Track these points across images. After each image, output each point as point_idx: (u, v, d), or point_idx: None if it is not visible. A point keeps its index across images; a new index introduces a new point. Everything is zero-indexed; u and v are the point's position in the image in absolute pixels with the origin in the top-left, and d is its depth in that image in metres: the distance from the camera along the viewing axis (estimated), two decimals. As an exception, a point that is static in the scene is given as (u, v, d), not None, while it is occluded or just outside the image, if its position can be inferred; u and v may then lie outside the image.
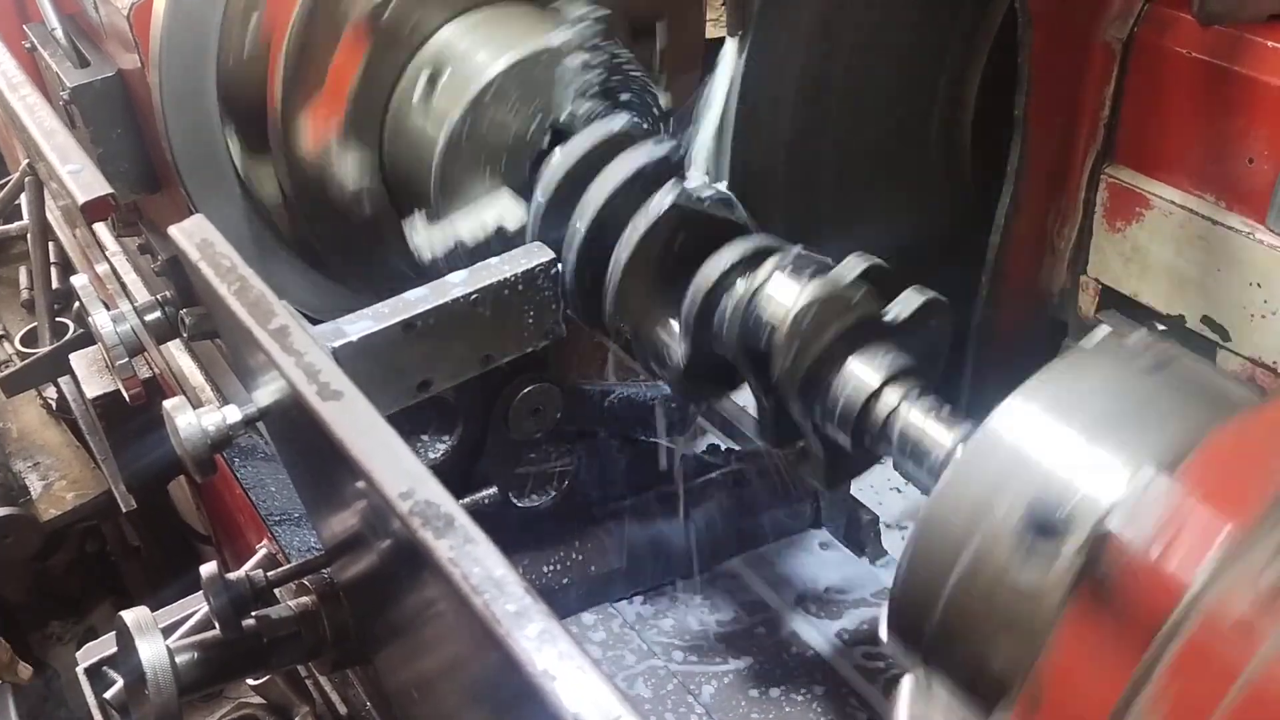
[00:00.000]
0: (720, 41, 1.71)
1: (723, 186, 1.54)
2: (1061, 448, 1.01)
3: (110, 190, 1.70)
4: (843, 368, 1.30)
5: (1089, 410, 1.02)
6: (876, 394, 1.28)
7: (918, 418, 1.26)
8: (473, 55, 1.64)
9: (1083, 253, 1.93)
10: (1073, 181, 1.89)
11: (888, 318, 1.34)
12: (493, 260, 1.49)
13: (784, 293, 1.33)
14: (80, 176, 1.70)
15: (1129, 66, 1.78)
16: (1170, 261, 1.80)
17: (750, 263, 1.40)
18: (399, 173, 1.72)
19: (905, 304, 1.35)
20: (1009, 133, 1.83)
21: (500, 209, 1.62)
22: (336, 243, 1.90)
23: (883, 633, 1.12)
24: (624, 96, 1.65)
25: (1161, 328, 1.86)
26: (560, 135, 1.60)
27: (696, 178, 1.62)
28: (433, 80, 1.66)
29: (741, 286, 1.37)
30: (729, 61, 1.65)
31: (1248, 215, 1.69)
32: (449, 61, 1.66)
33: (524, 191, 1.60)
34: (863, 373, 1.29)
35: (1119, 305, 1.93)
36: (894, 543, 2.33)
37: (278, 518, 1.96)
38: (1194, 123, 1.73)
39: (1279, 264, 1.66)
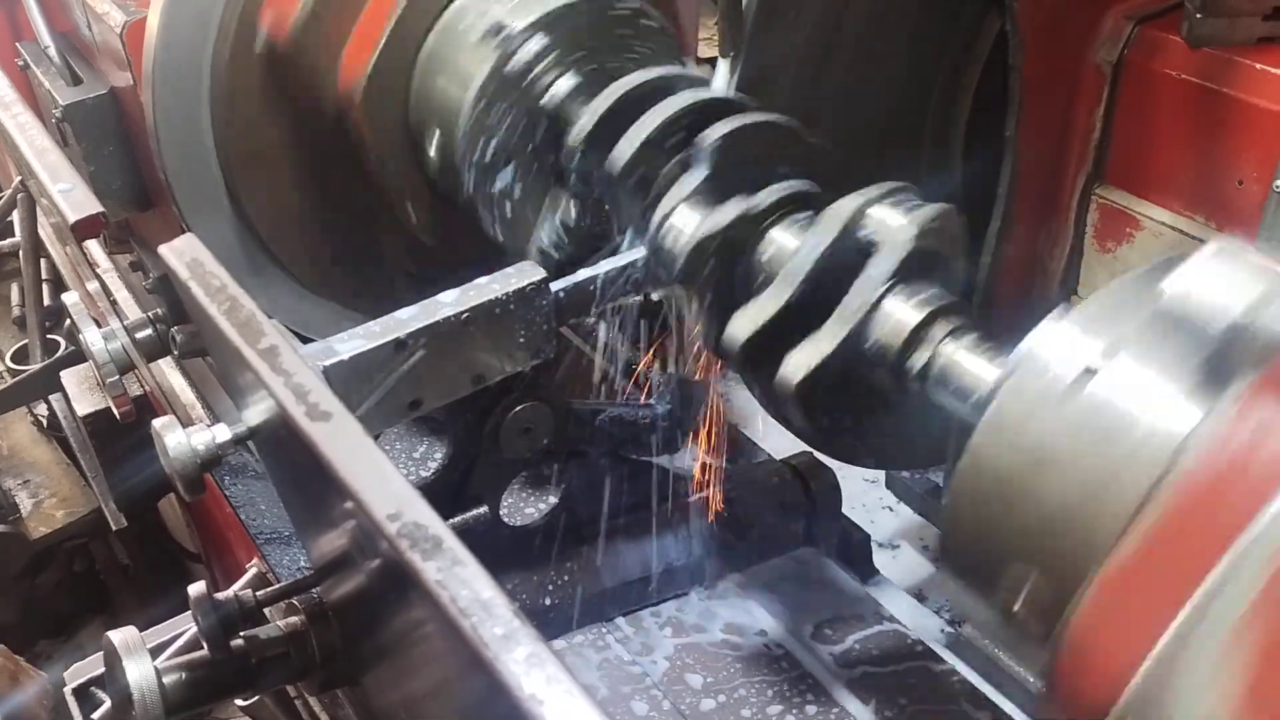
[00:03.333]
0: (713, 62, 1.72)
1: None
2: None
3: (100, 209, 1.70)
4: (881, 305, 1.29)
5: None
6: (916, 333, 1.26)
7: (959, 355, 1.25)
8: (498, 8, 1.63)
9: (1073, 273, 1.94)
10: (1063, 202, 1.90)
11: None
12: (483, 279, 1.49)
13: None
14: (71, 195, 1.70)
15: (1119, 88, 1.79)
16: (1161, 282, 1.81)
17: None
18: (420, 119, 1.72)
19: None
20: (1000, 154, 1.84)
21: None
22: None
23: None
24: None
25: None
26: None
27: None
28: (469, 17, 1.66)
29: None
30: (721, 82, 1.66)
31: (1237, 236, 1.70)
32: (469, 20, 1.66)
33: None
34: (901, 312, 1.28)
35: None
36: (885, 562, 2.33)
37: (267, 536, 1.95)
38: (1184, 144, 1.74)
39: (1269, 285, 1.67)
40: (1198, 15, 1.65)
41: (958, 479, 1.08)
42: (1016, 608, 1.01)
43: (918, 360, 1.27)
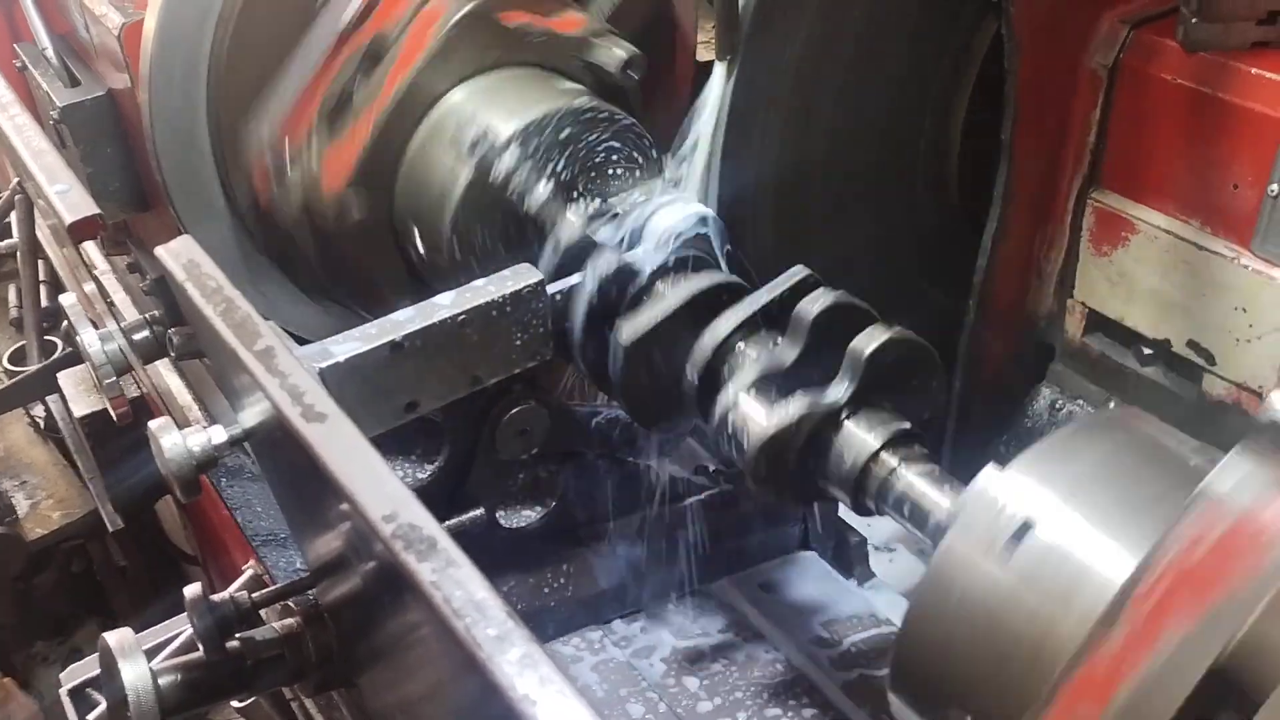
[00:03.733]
0: (710, 65, 1.72)
1: (710, 211, 1.56)
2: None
3: (97, 210, 1.70)
4: (840, 432, 1.34)
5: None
6: (875, 457, 1.31)
7: (915, 481, 1.29)
8: (497, 107, 1.68)
9: (1069, 276, 1.94)
10: (1059, 206, 1.90)
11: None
12: (480, 281, 1.49)
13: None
14: (68, 196, 1.70)
15: (1115, 92, 1.79)
16: (1156, 286, 1.81)
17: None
18: (410, 206, 1.76)
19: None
20: (996, 157, 1.84)
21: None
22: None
23: (891, 697, 1.14)
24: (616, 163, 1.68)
25: (1148, 351, 1.87)
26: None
27: (687, 199, 1.63)
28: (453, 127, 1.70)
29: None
30: (718, 85, 1.66)
31: (1233, 240, 1.70)
32: (458, 122, 1.70)
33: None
34: (860, 439, 1.33)
35: (1105, 329, 1.94)
36: (881, 565, 2.33)
37: (264, 538, 1.95)
38: (1179, 148, 1.74)
39: (1264, 288, 1.67)
40: (1193, 20, 1.66)
41: (910, 611, 1.13)
42: None
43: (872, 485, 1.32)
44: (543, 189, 1.62)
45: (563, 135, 1.63)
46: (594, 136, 1.64)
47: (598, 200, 1.65)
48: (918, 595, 1.12)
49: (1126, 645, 0.87)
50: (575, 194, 1.64)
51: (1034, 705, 0.95)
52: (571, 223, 1.60)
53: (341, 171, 1.74)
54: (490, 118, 1.66)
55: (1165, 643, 0.85)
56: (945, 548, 1.10)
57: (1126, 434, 1.13)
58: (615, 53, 1.76)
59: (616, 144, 1.66)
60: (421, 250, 1.75)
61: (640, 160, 1.69)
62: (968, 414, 2.02)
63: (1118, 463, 1.09)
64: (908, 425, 1.34)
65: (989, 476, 1.12)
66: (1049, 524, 1.05)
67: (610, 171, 1.68)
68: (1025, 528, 1.05)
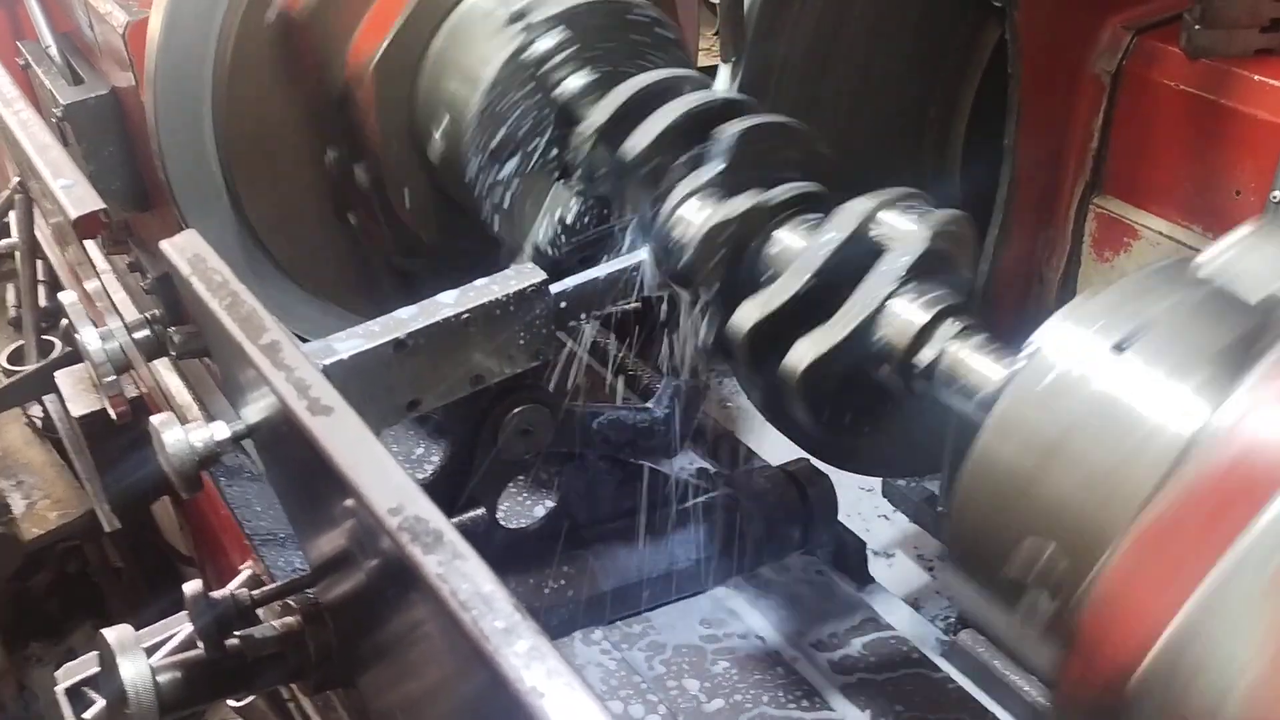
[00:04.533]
0: (711, 70, 1.72)
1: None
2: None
3: (102, 205, 1.70)
4: (890, 304, 1.30)
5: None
6: (924, 330, 1.28)
7: (966, 353, 1.26)
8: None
9: (1071, 282, 1.94)
10: (1061, 212, 1.91)
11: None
12: (483, 280, 1.49)
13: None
14: (73, 191, 1.70)
15: (1118, 98, 1.80)
16: (1158, 292, 1.81)
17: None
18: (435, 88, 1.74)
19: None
20: (999, 162, 1.85)
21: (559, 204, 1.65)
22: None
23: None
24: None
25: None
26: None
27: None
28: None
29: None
30: (722, 87, 1.66)
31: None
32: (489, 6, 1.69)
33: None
34: (909, 311, 1.29)
35: (1107, 334, 1.94)
36: (880, 570, 2.33)
37: (263, 537, 1.94)
38: (1182, 155, 1.75)
39: (1265, 295, 1.67)
40: (1196, 26, 1.66)
41: (969, 469, 1.09)
42: (1029, 582, 1.01)
43: (925, 357, 1.28)
44: (579, 79, 1.61)
45: (601, 23, 1.62)
46: (634, 37, 1.64)
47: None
48: (984, 436, 1.07)
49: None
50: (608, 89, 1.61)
51: (1133, 515, 0.92)
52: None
53: (373, 39, 1.72)
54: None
55: None
56: (1029, 370, 1.06)
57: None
58: None
59: (652, 50, 1.66)
60: (438, 136, 1.71)
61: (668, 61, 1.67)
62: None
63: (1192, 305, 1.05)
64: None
65: (1069, 308, 1.09)
66: (1141, 344, 1.02)
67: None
68: (1117, 348, 1.02)
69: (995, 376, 1.21)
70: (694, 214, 1.42)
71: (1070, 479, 1.00)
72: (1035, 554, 1.01)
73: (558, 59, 1.61)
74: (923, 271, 1.31)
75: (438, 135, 1.71)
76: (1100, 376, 1.02)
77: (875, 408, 1.43)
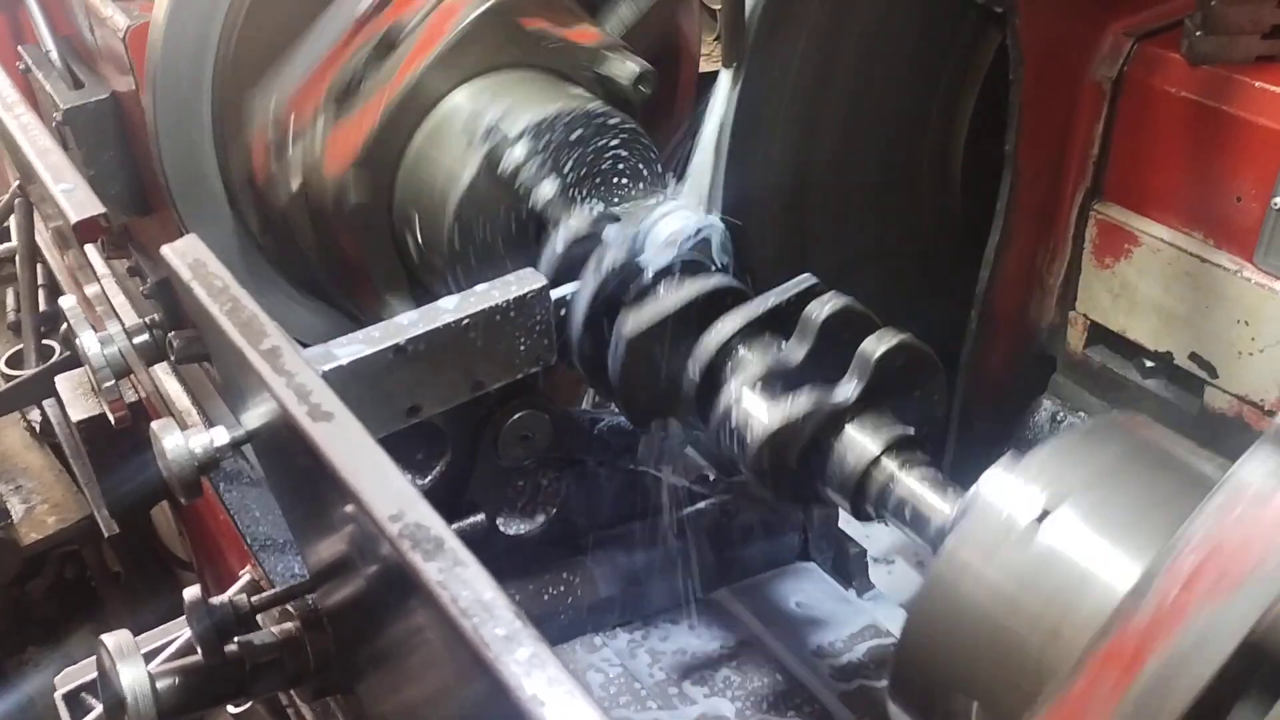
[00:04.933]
0: (712, 76, 1.72)
1: (715, 218, 1.56)
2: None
3: (103, 209, 1.70)
4: (840, 437, 1.34)
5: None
6: (876, 461, 1.31)
7: (915, 486, 1.29)
8: (509, 101, 1.68)
9: (1071, 288, 1.94)
10: (1062, 218, 1.90)
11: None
12: (483, 286, 1.49)
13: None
14: (73, 196, 1.70)
15: (1118, 105, 1.80)
16: (1158, 298, 1.81)
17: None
18: (410, 197, 1.75)
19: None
20: (999, 168, 1.85)
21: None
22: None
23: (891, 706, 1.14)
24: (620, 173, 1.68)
25: (1150, 364, 1.87)
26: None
27: (691, 206, 1.64)
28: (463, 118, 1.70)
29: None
30: (723, 93, 1.66)
31: (1235, 253, 1.70)
32: (471, 112, 1.69)
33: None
34: (861, 443, 1.33)
35: (1107, 341, 1.94)
36: (881, 576, 2.32)
37: (262, 543, 1.94)
38: (1182, 161, 1.74)
39: (1267, 301, 1.67)
40: (1197, 33, 1.66)
41: (911, 615, 1.13)
42: None
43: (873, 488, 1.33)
44: (550, 186, 1.61)
45: (574, 136, 1.62)
46: (603, 142, 1.64)
47: (602, 205, 1.65)
48: (925, 585, 1.11)
49: (1155, 618, 0.87)
50: (581, 196, 1.64)
51: (1055, 680, 0.94)
52: (579, 219, 1.59)
53: (345, 154, 1.72)
54: (503, 111, 1.65)
55: (1195, 615, 0.84)
56: (960, 533, 1.09)
57: (1134, 437, 1.13)
58: (628, 66, 1.76)
59: (624, 153, 1.66)
60: (420, 239, 1.73)
61: (645, 172, 1.69)
62: (969, 425, 2.02)
63: (1128, 462, 1.08)
64: (910, 431, 1.34)
65: (1000, 471, 1.11)
66: (1064, 513, 1.05)
67: (615, 180, 1.68)
68: (1042, 515, 1.05)
69: (946, 510, 1.25)
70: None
71: (1000, 639, 1.04)
72: (961, 711, 1.06)
73: (527, 172, 1.62)
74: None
75: (417, 241, 1.74)
76: (1035, 534, 1.06)
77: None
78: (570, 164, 1.63)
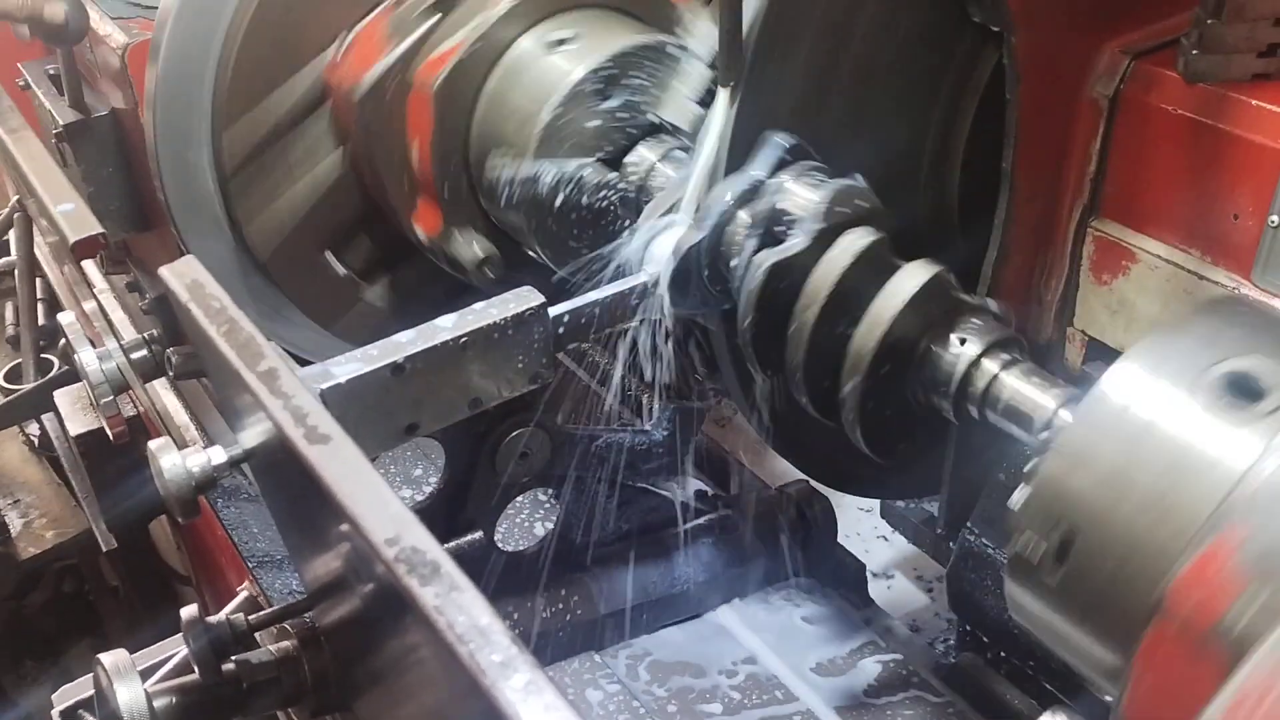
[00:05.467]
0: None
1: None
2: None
3: (100, 229, 1.70)
4: (947, 341, 1.43)
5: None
6: (976, 362, 1.41)
7: (1018, 382, 1.38)
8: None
9: (1069, 305, 1.94)
10: (1059, 235, 1.90)
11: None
12: (481, 304, 1.49)
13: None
14: (71, 215, 1.70)
15: (1115, 122, 1.80)
16: (1157, 315, 1.81)
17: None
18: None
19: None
20: (997, 185, 1.85)
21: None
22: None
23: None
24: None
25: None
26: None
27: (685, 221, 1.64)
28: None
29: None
30: (721, 112, 1.66)
31: (1233, 270, 1.70)
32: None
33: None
34: (963, 345, 1.43)
35: (1106, 357, 1.94)
36: (879, 592, 2.32)
37: (259, 559, 1.94)
38: (1180, 179, 1.74)
39: (1264, 319, 1.67)
40: (1194, 51, 1.66)
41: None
42: None
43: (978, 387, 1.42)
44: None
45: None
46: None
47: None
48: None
49: None
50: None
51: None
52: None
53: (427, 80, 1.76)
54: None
55: None
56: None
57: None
58: None
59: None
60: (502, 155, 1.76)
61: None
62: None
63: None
64: (1009, 332, 1.45)
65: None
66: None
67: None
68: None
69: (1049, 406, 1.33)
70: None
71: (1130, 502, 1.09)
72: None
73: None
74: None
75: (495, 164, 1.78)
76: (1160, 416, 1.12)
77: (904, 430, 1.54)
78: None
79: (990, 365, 1.41)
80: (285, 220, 1.95)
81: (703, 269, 1.58)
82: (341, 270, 2.01)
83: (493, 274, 1.84)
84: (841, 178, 1.58)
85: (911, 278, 1.47)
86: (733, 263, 1.55)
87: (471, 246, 1.84)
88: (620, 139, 1.73)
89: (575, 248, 1.73)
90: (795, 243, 1.50)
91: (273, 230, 1.96)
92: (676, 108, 1.77)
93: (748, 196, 1.56)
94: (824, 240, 1.51)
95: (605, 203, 1.73)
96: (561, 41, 1.76)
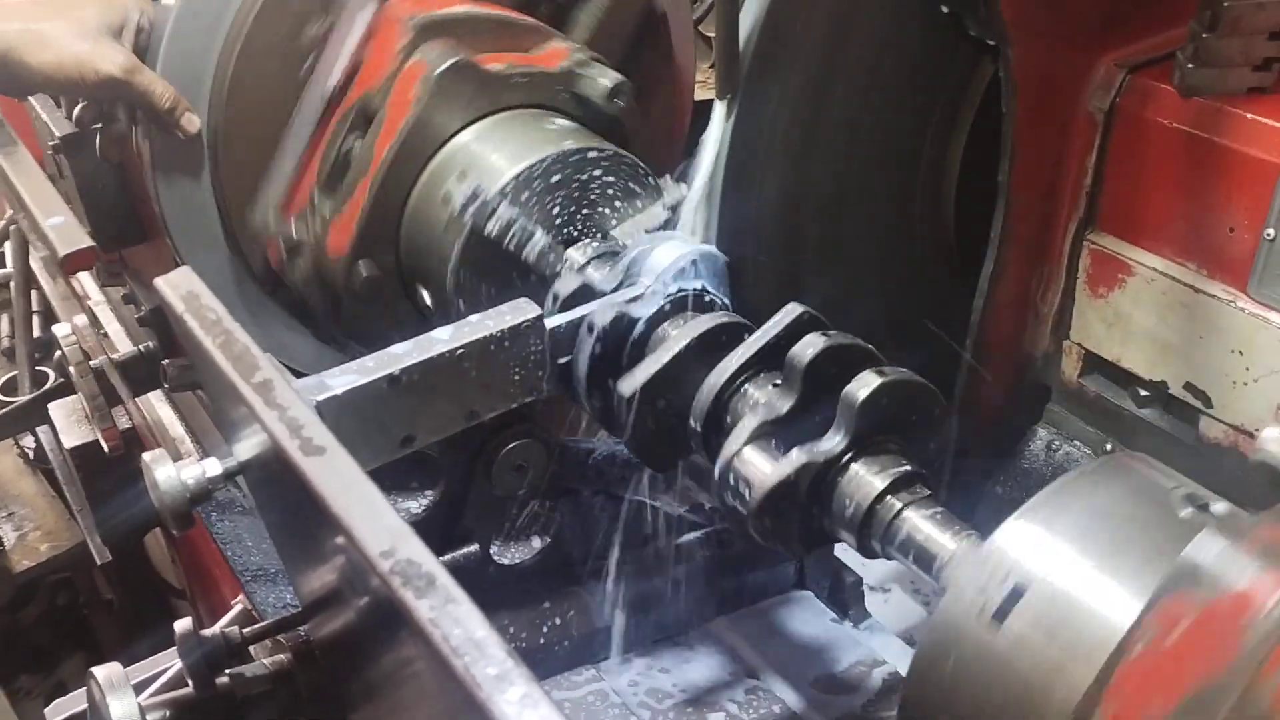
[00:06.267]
0: (708, 104, 1.73)
1: (711, 247, 1.56)
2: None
3: (90, 243, 1.70)
4: (844, 477, 1.32)
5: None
6: (880, 499, 1.30)
7: (921, 523, 1.28)
8: (486, 160, 1.68)
9: (1066, 318, 1.95)
10: (1055, 248, 1.91)
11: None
12: (477, 316, 1.49)
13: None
14: (61, 228, 1.70)
15: (1111, 136, 1.81)
16: (1152, 328, 1.81)
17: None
18: (414, 265, 1.77)
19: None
20: (993, 198, 1.85)
21: None
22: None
23: None
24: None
25: (1145, 393, 1.87)
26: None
27: (684, 237, 1.64)
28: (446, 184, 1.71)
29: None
30: (717, 123, 1.67)
31: (1229, 283, 1.71)
32: (450, 180, 1.70)
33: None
34: (865, 482, 1.31)
35: (1102, 370, 1.94)
36: (877, 605, 2.31)
37: (253, 573, 1.93)
38: (1175, 192, 1.75)
39: (1261, 331, 1.68)
40: (1189, 65, 1.67)
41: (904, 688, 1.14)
42: None
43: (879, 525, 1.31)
44: (540, 237, 1.62)
45: (554, 180, 1.62)
46: (586, 176, 1.64)
47: (599, 236, 1.65)
48: (915, 660, 1.12)
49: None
50: (575, 234, 1.64)
51: None
52: (571, 267, 1.59)
53: (345, 238, 1.74)
54: (480, 174, 1.65)
55: None
56: (938, 614, 1.10)
57: (1119, 484, 1.12)
58: (600, 83, 1.75)
59: (610, 178, 1.66)
60: (430, 304, 1.76)
61: (637, 189, 1.68)
62: (964, 455, 2.02)
63: (1107, 519, 1.08)
64: (909, 467, 1.33)
65: (972, 546, 1.14)
66: (1038, 590, 1.05)
67: (607, 207, 1.67)
68: (1015, 595, 1.05)
69: (951, 548, 1.24)
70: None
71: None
72: None
73: (514, 230, 1.63)
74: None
75: (427, 302, 1.77)
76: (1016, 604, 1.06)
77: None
78: (557, 207, 1.63)
79: (895, 501, 1.31)
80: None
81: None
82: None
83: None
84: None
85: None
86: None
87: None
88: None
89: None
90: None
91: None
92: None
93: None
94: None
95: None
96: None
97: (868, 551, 1.35)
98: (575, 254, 1.61)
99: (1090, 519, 1.09)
